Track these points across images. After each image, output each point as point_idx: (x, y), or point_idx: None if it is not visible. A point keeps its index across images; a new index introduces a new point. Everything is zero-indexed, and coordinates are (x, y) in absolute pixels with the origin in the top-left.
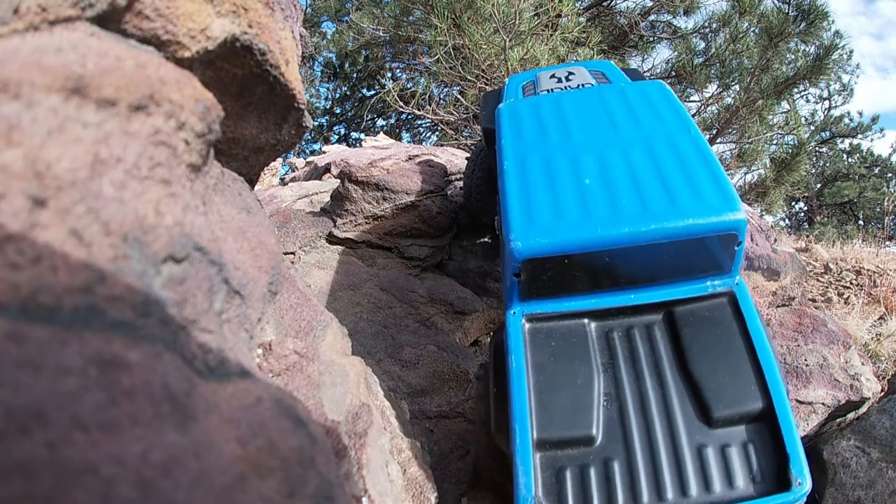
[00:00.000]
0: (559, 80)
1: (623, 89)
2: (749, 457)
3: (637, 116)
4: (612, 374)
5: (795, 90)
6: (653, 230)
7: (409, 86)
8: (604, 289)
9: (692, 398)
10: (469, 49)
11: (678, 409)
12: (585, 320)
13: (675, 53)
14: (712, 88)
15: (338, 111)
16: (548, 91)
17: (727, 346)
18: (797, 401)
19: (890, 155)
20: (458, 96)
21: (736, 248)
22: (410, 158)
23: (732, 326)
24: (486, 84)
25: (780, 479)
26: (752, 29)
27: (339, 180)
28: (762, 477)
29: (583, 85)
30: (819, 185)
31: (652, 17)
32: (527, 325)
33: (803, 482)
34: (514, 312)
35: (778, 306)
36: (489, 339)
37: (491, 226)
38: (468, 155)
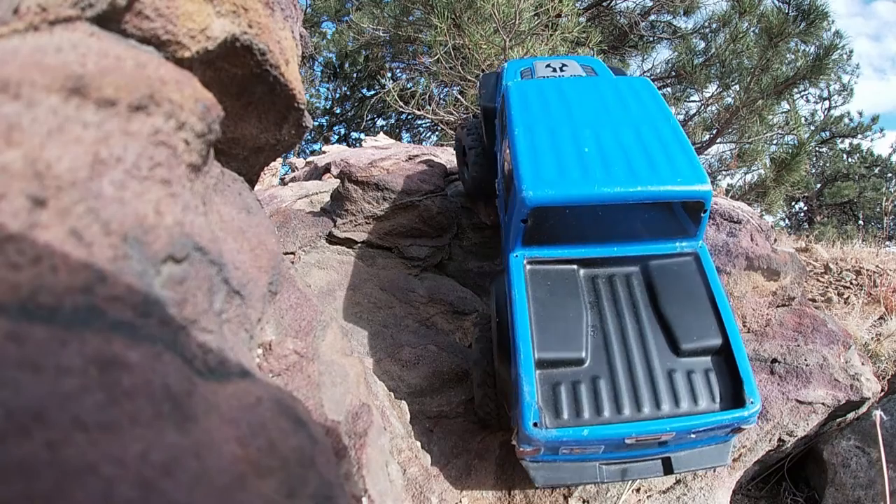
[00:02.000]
0: (554, 70)
1: (615, 81)
2: (710, 381)
3: (626, 104)
4: (597, 311)
5: (795, 90)
6: (638, 191)
7: (409, 86)
8: (592, 241)
9: (663, 333)
10: (469, 49)
11: (652, 341)
12: (575, 266)
13: (675, 53)
14: (712, 88)
15: (338, 111)
16: (544, 78)
17: (692, 294)
18: (797, 401)
19: (890, 155)
20: (458, 96)
21: (702, 214)
22: (410, 158)
23: (696, 279)
24: None
25: (735, 399)
26: (752, 29)
27: (339, 180)
28: (721, 397)
29: (574, 76)
30: (819, 185)
31: (652, 17)
32: (527, 266)
33: (755, 401)
34: (517, 255)
35: (778, 306)
36: (491, 282)
37: (492, 226)
38: (458, 134)
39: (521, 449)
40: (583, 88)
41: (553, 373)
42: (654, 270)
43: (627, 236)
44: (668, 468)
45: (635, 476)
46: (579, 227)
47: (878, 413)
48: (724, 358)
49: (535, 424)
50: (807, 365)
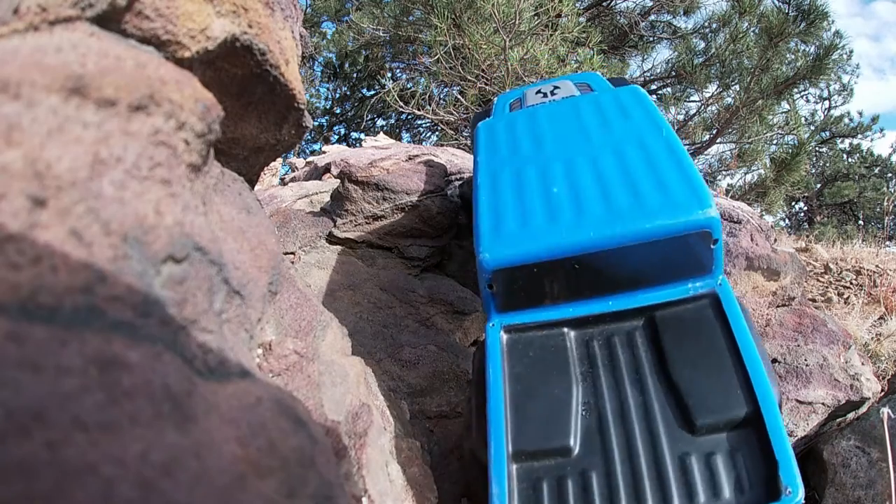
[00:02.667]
0: (545, 95)
1: (597, 97)
2: (736, 465)
3: (608, 122)
4: (591, 383)
5: (795, 90)
6: (617, 233)
7: (409, 86)
8: (582, 296)
9: (674, 405)
10: (469, 49)
11: (659, 417)
12: (565, 329)
13: (675, 53)
14: (712, 88)
15: (338, 111)
16: (532, 106)
17: (710, 349)
18: (797, 401)
19: (890, 155)
20: (458, 96)
21: (713, 246)
22: (410, 158)
23: (715, 329)
24: (486, 84)
25: (769, 488)
26: (752, 29)
27: (339, 180)
28: (750, 485)
29: (565, 98)
30: (819, 185)
31: (652, 17)
32: (504, 337)
33: (794, 490)
34: (493, 325)
35: (778, 306)
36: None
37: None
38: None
39: None
40: (558, 114)
41: (533, 466)
42: (661, 323)
43: (626, 284)
44: None
45: None
46: (562, 282)
47: (885, 411)
48: (754, 431)
49: None
50: (807, 365)
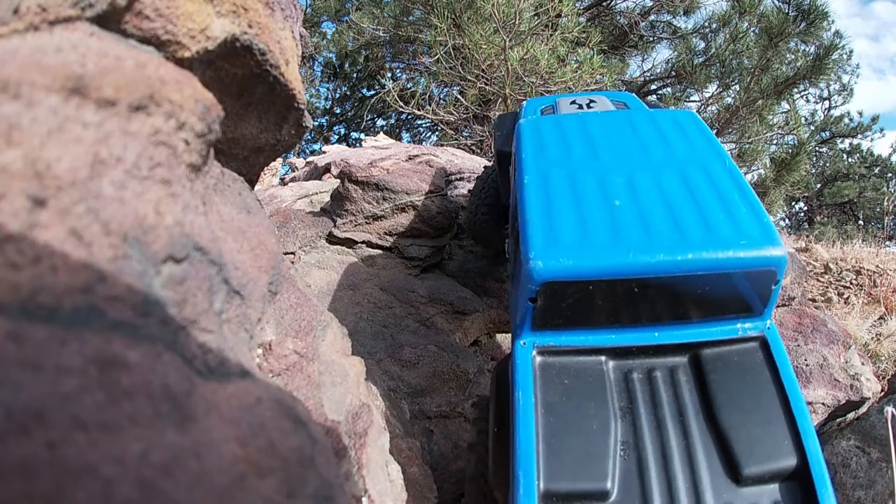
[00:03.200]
0: (579, 107)
1: (653, 114)
2: None
3: (669, 142)
4: (630, 421)
5: (795, 90)
6: (690, 260)
7: (409, 86)
8: (626, 324)
9: (719, 452)
10: (469, 49)
11: (703, 464)
12: (603, 358)
13: (675, 53)
14: (712, 88)
15: (338, 111)
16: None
17: (758, 395)
18: None
19: (890, 155)
20: (458, 96)
21: (773, 287)
22: (410, 158)
23: (764, 374)
24: (486, 84)
25: None
26: (752, 29)
27: (339, 180)
28: None
29: (618, 110)
30: (819, 185)
31: (652, 17)
32: (538, 359)
33: None
34: (525, 343)
35: (778, 306)
36: (493, 369)
37: (489, 251)
38: (479, 175)
39: None
40: (613, 124)
41: None
42: (707, 363)
43: (672, 317)
44: None
45: None
46: (608, 306)
47: (889, 409)
48: (800, 485)
49: None
50: (807, 365)
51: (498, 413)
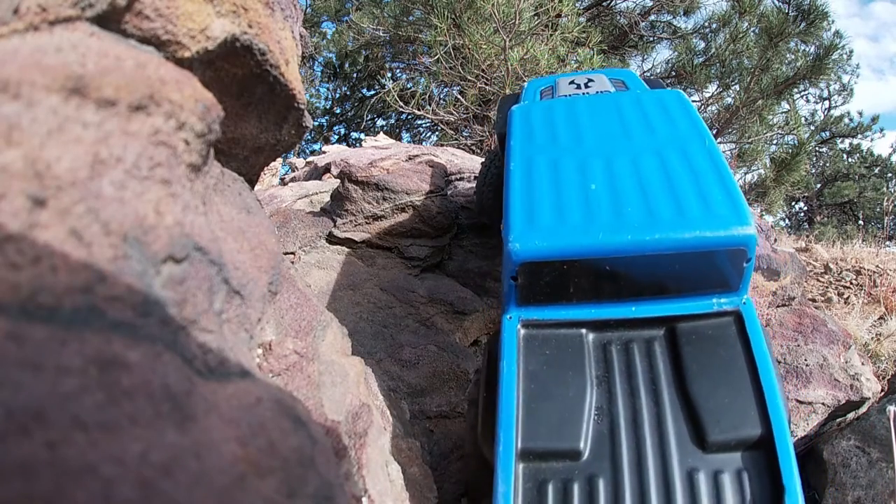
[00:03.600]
0: (578, 87)
1: (639, 96)
2: (742, 485)
3: (651, 124)
4: (606, 388)
5: (795, 90)
6: (657, 240)
7: (409, 86)
8: (604, 299)
9: (687, 419)
10: (469, 49)
11: (672, 430)
12: (583, 331)
13: (675, 53)
14: (712, 88)
15: (338, 111)
16: (566, 97)
17: (729, 367)
18: (797, 401)
19: (890, 155)
20: (458, 96)
21: (745, 264)
22: (410, 158)
23: (736, 347)
24: (486, 84)
25: None
26: (752, 29)
27: (339, 180)
28: None
29: (601, 92)
30: (819, 185)
31: (652, 17)
32: (522, 331)
33: None
34: (510, 317)
35: (778, 306)
36: (486, 341)
37: (492, 226)
38: (483, 160)
39: None
40: (599, 108)
41: (541, 467)
42: (682, 335)
43: (650, 292)
44: None
45: None
46: (588, 282)
47: (892, 409)
48: (764, 454)
49: None
50: (807, 365)
51: (487, 380)
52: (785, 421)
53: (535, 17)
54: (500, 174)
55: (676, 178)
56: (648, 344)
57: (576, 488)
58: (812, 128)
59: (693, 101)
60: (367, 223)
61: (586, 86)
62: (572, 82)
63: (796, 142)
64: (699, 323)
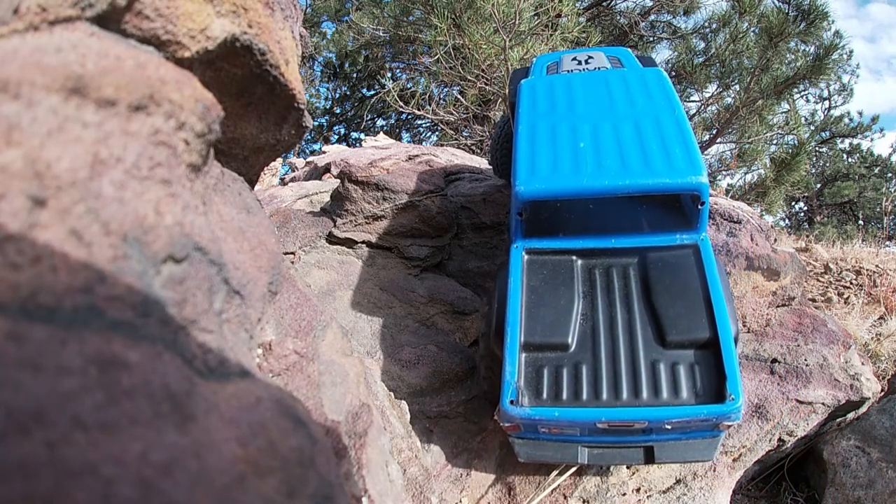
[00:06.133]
0: (579, 63)
1: (625, 73)
2: (694, 374)
3: (632, 97)
4: (590, 300)
5: (795, 90)
6: (627, 184)
7: (409, 86)
8: (590, 233)
9: (652, 324)
10: (469, 49)
11: (640, 331)
12: (573, 257)
13: (675, 53)
14: (712, 88)
15: (338, 111)
16: (568, 72)
17: (686, 287)
18: (797, 401)
19: (890, 155)
20: (458, 96)
21: (700, 207)
22: (410, 158)
23: (693, 272)
24: (486, 84)
25: (717, 394)
26: (752, 29)
27: (339, 180)
28: (703, 391)
29: (599, 68)
30: (819, 185)
31: (652, 17)
32: (525, 257)
33: (736, 398)
34: (517, 247)
35: (778, 306)
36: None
37: (492, 226)
38: (497, 122)
39: (503, 425)
40: (591, 84)
41: (538, 356)
42: (651, 262)
43: (628, 229)
44: (650, 457)
45: (616, 461)
46: (579, 220)
47: None
48: (711, 352)
49: (511, 402)
50: (807, 365)
51: (498, 295)
52: (729, 328)
53: (535, 17)
54: (509, 136)
55: (647, 139)
56: (624, 269)
57: (564, 372)
58: (812, 128)
59: (693, 102)
60: (367, 223)
61: (586, 62)
62: (575, 59)
63: (796, 142)
64: (665, 253)
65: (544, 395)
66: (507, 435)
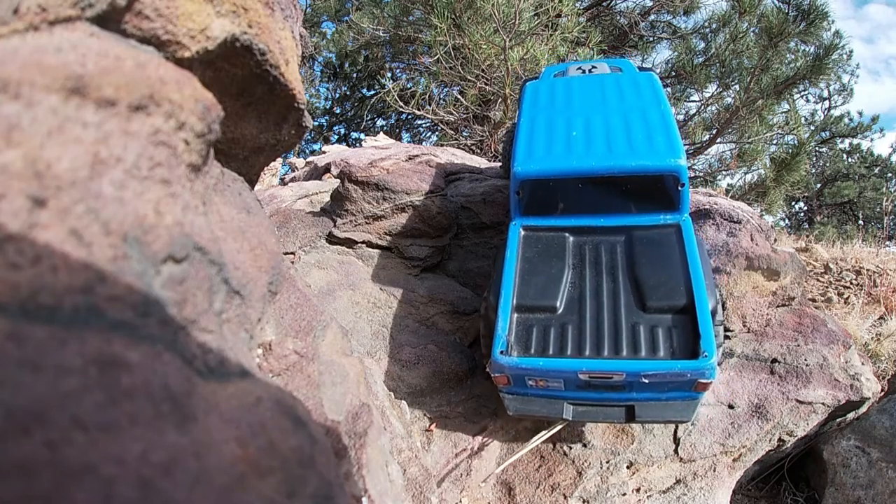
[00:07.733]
0: (583, 71)
1: (619, 77)
2: (671, 336)
3: (624, 96)
4: (578, 271)
5: (795, 90)
6: (612, 165)
7: (409, 86)
8: (583, 213)
9: (634, 291)
10: (469, 49)
11: (622, 298)
12: (566, 234)
13: (675, 53)
14: (712, 88)
15: (338, 111)
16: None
17: (668, 261)
18: (797, 401)
19: (890, 155)
20: (458, 96)
21: (680, 188)
22: (410, 158)
23: (674, 248)
24: (486, 84)
25: (692, 353)
26: (752, 29)
27: (339, 180)
28: (679, 349)
29: (597, 74)
30: (819, 185)
31: (652, 17)
32: (522, 233)
33: (710, 355)
34: (514, 223)
35: (778, 306)
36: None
37: (492, 226)
38: (507, 127)
39: (494, 375)
40: (588, 85)
41: (529, 317)
42: (636, 239)
43: (617, 209)
44: (630, 416)
45: (599, 419)
46: (572, 200)
47: None
48: (688, 318)
49: (501, 352)
50: (807, 365)
51: (496, 266)
52: (705, 298)
53: (535, 17)
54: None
55: (634, 129)
56: (612, 245)
57: (552, 330)
58: (812, 128)
59: (693, 101)
60: (367, 223)
61: (590, 71)
62: (579, 68)
63: (796, 142)
64: (649, 231)
65: (532, 350)
66: (498, 390)
